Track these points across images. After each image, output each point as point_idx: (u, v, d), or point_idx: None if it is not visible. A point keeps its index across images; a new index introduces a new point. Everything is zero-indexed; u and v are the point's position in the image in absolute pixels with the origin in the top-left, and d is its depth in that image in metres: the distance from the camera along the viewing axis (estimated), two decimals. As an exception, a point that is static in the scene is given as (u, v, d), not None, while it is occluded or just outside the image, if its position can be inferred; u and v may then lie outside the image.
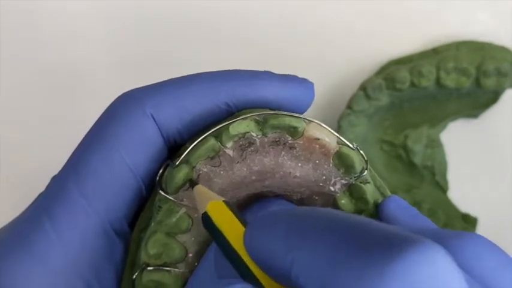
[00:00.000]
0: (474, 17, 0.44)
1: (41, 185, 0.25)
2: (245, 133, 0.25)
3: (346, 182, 0.25)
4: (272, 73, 0.27)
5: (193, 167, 0.25)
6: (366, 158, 0.26)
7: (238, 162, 0.25)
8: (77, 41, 0.45)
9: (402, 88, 0.42)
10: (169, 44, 0.45)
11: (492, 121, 0.45)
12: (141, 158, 0.25)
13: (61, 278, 0.24)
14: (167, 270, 0.25)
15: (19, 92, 0.46)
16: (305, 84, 0.27)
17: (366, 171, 0.25)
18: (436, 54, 0.43)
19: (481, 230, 0.45)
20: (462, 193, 0.46)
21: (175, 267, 0.25)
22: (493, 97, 0.44)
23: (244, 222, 0.21)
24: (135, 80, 0.46)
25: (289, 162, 0.25)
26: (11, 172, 0.46)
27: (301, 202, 0.26)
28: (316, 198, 0.26)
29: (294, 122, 0.25)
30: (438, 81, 0.41)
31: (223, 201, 0.22)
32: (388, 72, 0.42)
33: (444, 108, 0.44)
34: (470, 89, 0.42)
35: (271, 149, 0.25)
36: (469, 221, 0.45)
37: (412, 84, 0.41)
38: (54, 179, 0.26)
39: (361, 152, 0.26)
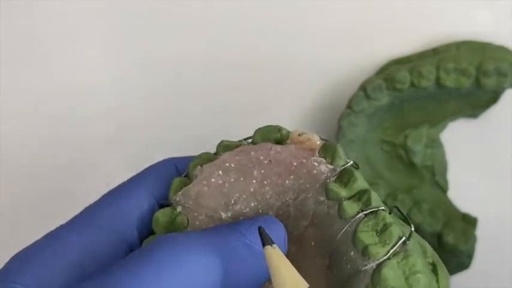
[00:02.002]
0: (474, 17, 0.44)
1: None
2: (239, 145, 0.27)
3: (332, 167, 0.26)
4: None
5: (192, 175, 0.27)
6: (353, 163, 0.26)
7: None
8: (76, 43, 0.45)
9: (402, 88, 0.42)
10: (170, 44, 0.45)
11: (492, 121, 0.45)
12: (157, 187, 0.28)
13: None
14: None
15: (18, 94, 0.46)
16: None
17: (351, 162, 0.26)
18: (436, 54, 0.43)
19: (481, 230, 0.44)
20: (462, 193, 0.46)
21: None
22: (493, 97, 0.44)
23: None
24: (136, 83, 0.46)
25: (272, 145, 0.26)
26: (11, 173, 0.46)
27: (295, 203, 0.27)
28: (309, 196, 0.26)
29: (279, 127, 0.27)
30: (438, 81, 0.41)
31: None
32: (388, 72, 0.42)
33: (444, 108, 0.44)
34: (470, 89, 0.42)
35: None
36: (469, 221, 0.45)
37: (412, 85, 0.41)
38: None
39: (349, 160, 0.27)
